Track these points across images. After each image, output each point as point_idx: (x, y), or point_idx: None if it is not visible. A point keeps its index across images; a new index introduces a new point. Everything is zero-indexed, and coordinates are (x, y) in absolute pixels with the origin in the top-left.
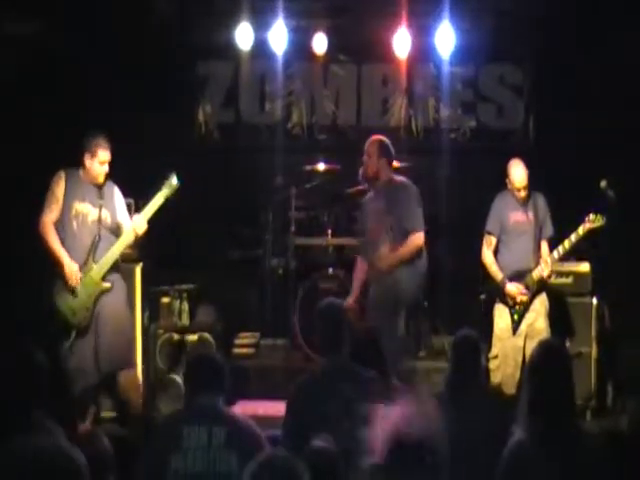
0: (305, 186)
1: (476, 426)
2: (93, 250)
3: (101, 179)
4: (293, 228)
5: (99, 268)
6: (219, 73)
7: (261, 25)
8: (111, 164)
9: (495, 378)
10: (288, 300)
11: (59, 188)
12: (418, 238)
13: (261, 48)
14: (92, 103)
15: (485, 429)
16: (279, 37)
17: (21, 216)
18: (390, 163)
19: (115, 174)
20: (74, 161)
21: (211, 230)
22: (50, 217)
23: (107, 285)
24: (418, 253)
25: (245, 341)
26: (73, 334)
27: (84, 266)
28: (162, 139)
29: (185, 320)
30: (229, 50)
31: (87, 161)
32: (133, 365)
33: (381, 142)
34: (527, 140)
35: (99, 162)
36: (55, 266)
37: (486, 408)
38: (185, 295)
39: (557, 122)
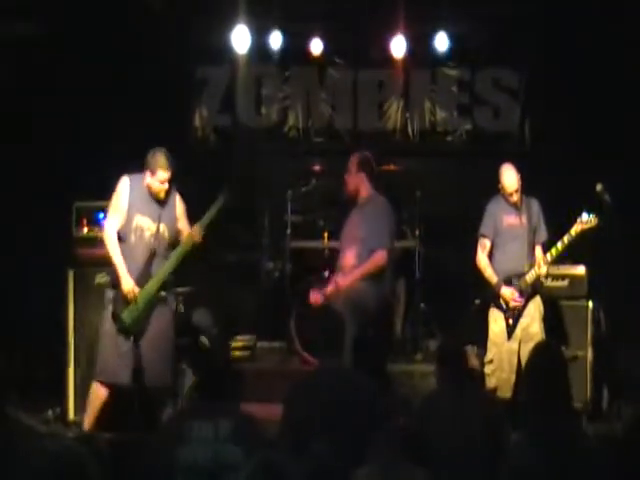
0: (301, 189)
1: (464, 427)
2: (149, 264)
3: (162, 196)
4: (289, 231)
5: (155, 281)
6: (216, 77)
7: (258, 29)
8: (110, 167)
9: (490, 383)
10: (284, 303)
11: (122, 196)
12: (380, 257)
13: (258, 52)
14: (89, 106)
15: (474, 430)
16: (276, 41)
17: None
18: (370, 177)
19: (112, 176)
20: (71, 167)
21: (207, 233)
22: (114, 224)
23: (163, 295)
24: (380, 271)
25: (241, 344)
26: (131, 339)
27: (140, 278)
28: (159, 142)
29: (181, 324)
30: (226, 54)
31: (148, 177)
32: (169, 384)
33: (360, 157)
34: (523, 143)
35: (159, 181)
36: (114, 276)
37: (476, 413)
38: (181, 298)
39: (553, 125)
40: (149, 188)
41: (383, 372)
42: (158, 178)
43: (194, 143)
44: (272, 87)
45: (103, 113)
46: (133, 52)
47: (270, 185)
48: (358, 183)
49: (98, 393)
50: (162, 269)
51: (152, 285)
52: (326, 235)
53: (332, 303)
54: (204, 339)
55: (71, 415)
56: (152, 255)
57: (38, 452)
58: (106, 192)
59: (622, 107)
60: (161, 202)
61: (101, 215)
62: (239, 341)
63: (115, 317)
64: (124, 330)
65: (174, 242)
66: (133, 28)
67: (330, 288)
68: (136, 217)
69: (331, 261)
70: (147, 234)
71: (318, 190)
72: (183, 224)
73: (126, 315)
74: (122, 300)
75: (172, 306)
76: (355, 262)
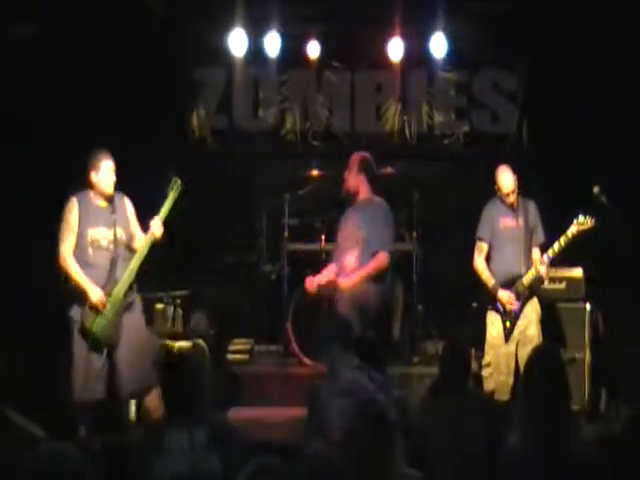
0: (299, 192)
1: (462, 429)
2: (112, 271)
3: (111, 190)
4: (287, 234)
5: (121, 285)
6: (213, 79)
7: (255, 31)
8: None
9: (488, 385)
10: (282, 306)
11: (72, 216)
12: (383, 259)
13: (255, 54)
14: (88, 107)
15: (471, 432)
16: (273, 43)
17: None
18: (370, 179)
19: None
20: (71, 167)
21: (204, 236)
22: (68, 247)
23: (130, 300)
24: (382, 272)
25: (239, 347)
26: (105, 352)
27: (106, 287)
28: (156, 144)
29: (179, 326)
30: (223, 56)
31: (93, 178)
32: (155, 384)
33: (362, 158)
34: (521, 145)
35: (106, 172)
36: (80, 292)
37: (472, 412)
38: (179, 301)
39: (551, 127)
40: (97, 188)
41: (382, 373)
42: (105, 170)
43: (191, 144)
44: (269, 90)
45: (102, 114)
46: (132, 53)
47: (267, 188)
48: (358, 184)
49: (84, 409)
50: (127, 272)
51: (119, 290)
52: (323, 238)
53: (334, 305)
54: (201, 342)
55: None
56: (114, 261)
57: (35, 455)
58: None
59: (621, 109)
60: (111, 205)
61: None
62: (236, 344)
63: (85, 333)
64: (96, 344)
65: (130, 243)
66: (132, 29)
67: (325, 277)
68: (88, 232)
69: (328, 263)
70: (104, 243)
71: (315, 193)
72: (134, 226)
73: (96, 328)
74: (90, 314)
75: (140, 305)
76: (356, 264)
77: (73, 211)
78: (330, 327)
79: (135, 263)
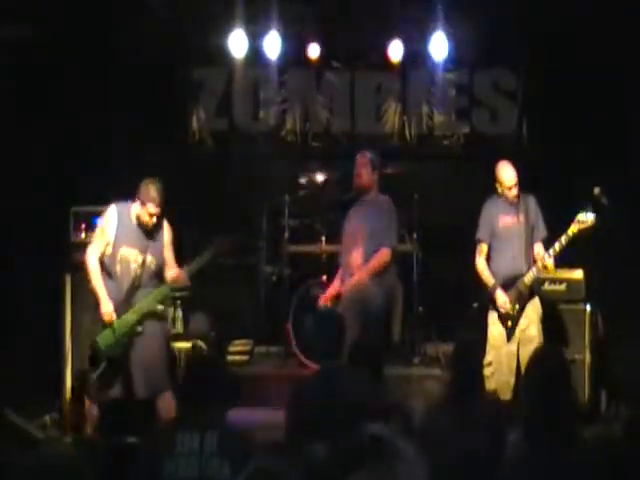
0: (299, 193)
1: (476, 430)
2: (130, 294)
3: (150, 226)
4: (287, 235)
5: (134, 313)
6: (213, 80)
7: (255, 32)
8: (106, 170)
9: (490, 385)
10: (282, 307)
11: (109, 226)
12: (385, 254)
13: (255, 55)
14: (87, 108)
15: (485, 432)
16: (273, 44)
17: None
18: (378, 176)
19: (108, 180)
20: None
21: (204, 237)
22: (96, 251)
23: (139, 330)
24: (385, 268)
25: (239, 348)
26: (103, 364)
27: (121, 306)
28: (156, 145)
29: (179, 327)
30: (223, 57)
31: (138, 204)
32: (168, 388)
33: (373, 156)
34: (521, 145)
35: (148, 213)
36: (94, 297)
37: (485, 412)
38: (179, 302)
39: (551, 127)
40: (138, 218)
41: (380, 374)
42: (148, 211)
43: (191, 146)
44: (269, 91)
45: (101, 116)
46: (132, 54)
47: (267, 189)
48: (373, 181)
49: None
50: (141, 304)
51: (130, 316)
52: (323, 239)
53: (335, 303)
54: (201, 343)
55: (68, 420)
56: (134, 286)
57: (34, 457)
58: (104, 196)
59: (621, 109)
60: (149, 232)
61: (98, 220)
62: (236, 345)
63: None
64: (95, 353)
65: (159, 271)
66: (132, 30)
67: (334, 289)
68: (122, 248)
69: (328, 265)
70: (133, 265)
71: (315, 194)
72: (169, 253)
73: (100, 339)
74: (98, 323)
75: (163, 324)
76: (361, 260)
77: (111, 221)
78: (322, 330)
79: (152, 301)
